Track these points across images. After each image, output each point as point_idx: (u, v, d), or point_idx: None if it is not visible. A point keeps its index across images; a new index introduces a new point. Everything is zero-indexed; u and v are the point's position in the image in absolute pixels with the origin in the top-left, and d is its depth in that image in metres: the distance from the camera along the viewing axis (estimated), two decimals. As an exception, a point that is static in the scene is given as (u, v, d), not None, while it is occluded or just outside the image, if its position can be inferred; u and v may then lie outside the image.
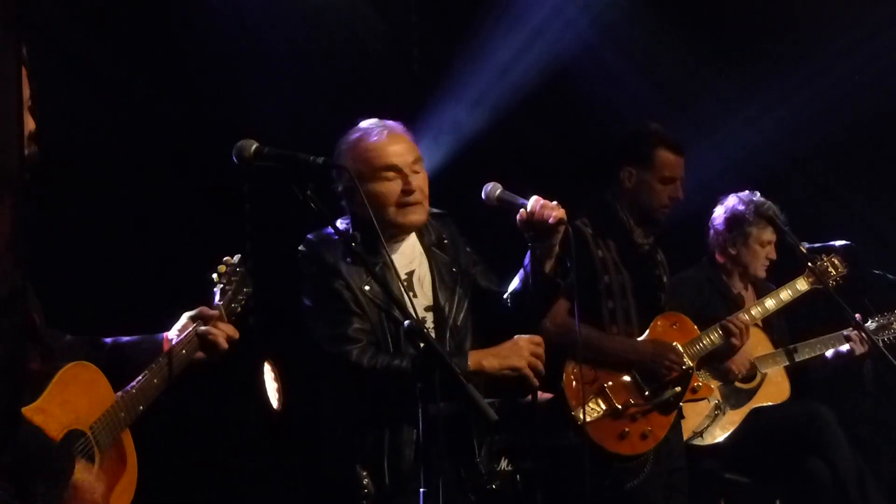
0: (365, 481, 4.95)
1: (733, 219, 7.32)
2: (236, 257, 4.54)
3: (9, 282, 3.44)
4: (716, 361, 6.71)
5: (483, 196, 5.11)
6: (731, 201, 7.36)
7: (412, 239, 5.22)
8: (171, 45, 6.58)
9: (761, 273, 7.38)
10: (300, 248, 5.12)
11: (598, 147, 7.11)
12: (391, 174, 5.06)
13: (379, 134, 5.12)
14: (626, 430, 6.08)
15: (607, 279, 6.22)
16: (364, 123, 5.19)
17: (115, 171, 6.43)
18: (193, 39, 6.55)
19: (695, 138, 6.85)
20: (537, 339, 5.05)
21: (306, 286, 5.12)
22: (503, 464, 5.18)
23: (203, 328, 4.26)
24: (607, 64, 8.20)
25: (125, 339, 4.27)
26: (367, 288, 5.00)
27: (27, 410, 3.64)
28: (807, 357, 7.25)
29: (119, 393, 4.01)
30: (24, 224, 2.68)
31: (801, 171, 8.71)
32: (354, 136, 5.16)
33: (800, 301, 6.85)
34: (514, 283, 5.18)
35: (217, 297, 4.41)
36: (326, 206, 4.38)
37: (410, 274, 5.17)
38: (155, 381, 4.11)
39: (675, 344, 6.23)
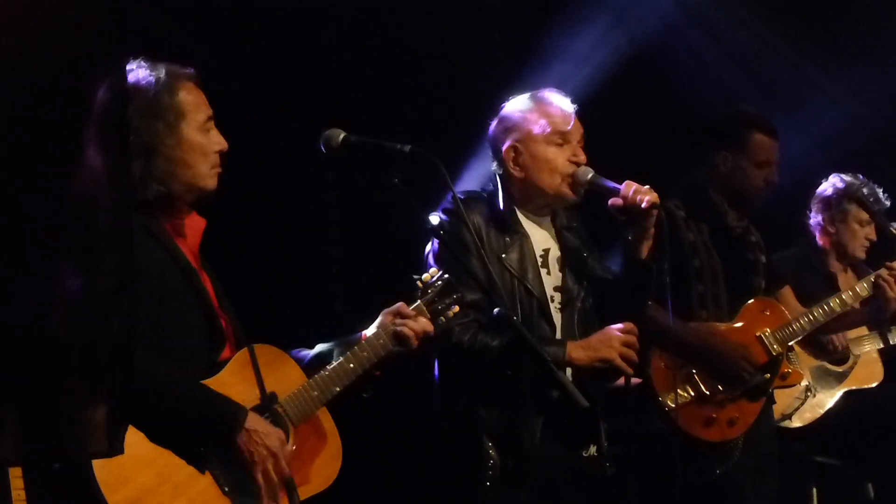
0: (491, 452, 4.93)
1: (833, 198, 7.30)
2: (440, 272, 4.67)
3: (116, 275, 3.48)
4: (869, 320, 6.78)
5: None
6: (832, 180, 7.35)
7: (548, 218, 5.25)
8: (254, 36, 6.60)
9: (860, 253, 7.32)
10: (444, 205, 5.08)
11: (688, 129, 7.06)
12: (563, 142, 5.12)
13: (553, 100, 5.20)
14: (714, 416, 6.02)
15: (698, 262, 6.17)
16: (535, 93, 5.26)
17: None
18: (279, 30, 6.57)
19: (780, 118, 6.75)
20: (628, 327, 5.04)
21: (438, 255, 5.04)
22: (591, 449, 5.16)
23: (399, 325, 4.41)
24: (691, 45, 8.14)
25: (324, 346, 4.44)
26: (503, 255, 5.03)
27: (206, 383, 3.93)
28: (902, 338, 7.19)
29: (314, 375, 4.22)
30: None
31: (889, 149, 8.61)
32: (530, 99, 5.24)
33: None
34: (617, 270, 5.20)
35: (419, 295, 4.56)
36: (415, 193, 4.40)
37: (546, 251, 5.19)
38: (351, 365, 4.29)
39: (759, 334, 6.17)
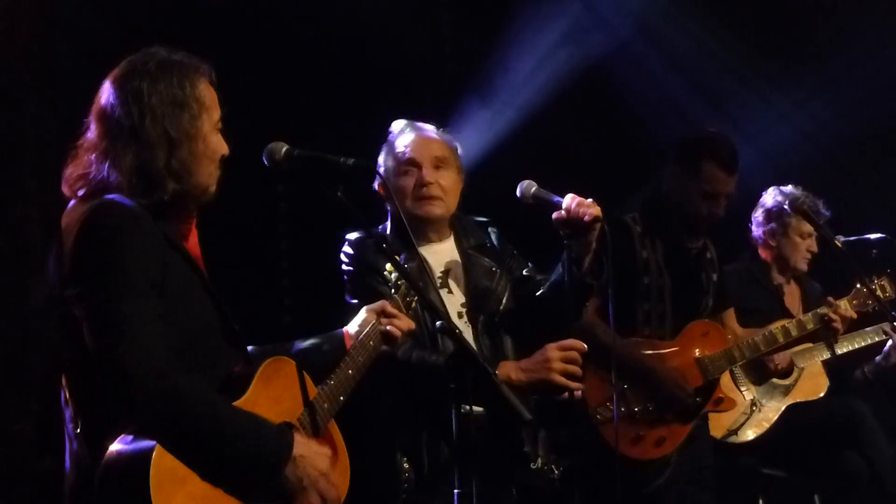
0: (405, 466, 5.00)
1: (773, 211, 7.33)
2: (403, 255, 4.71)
3: (46, 290, 3.47)
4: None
5: (518, 194, 5.13)
6: (771, 193, 7.38)
7: (449, 241, 5.34)
8: (202, 45, 6.59)
9: (802, 266, 7.37)
10: (343, 248, 5.23)
11: (637, 143, 7.08)
12: (410, 168, 5.24)
13: (403, 132, 5.36)
14: (641, 434, 6.03)
15: (647, 280, 6.16)
16: (396, 124, 5.41)
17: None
18: (225, 40, 6.56)
19: (729, 132, 6.78)
20: (568, 343, 5.06)
21: (348, 284, 5.23)
22: (538, 462, 5.17)
23: (386, 325, 4.44)
24: (641, 60, 8.18)
25: (307, 342, 4.38)
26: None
27: (238, 405, 3.71)
28: (847, 349, 7.23)
29: (320, 385, 4.13)
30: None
31: (836, 163, 8.67)
32: (388, 136, 5.38)
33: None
34: (550, 280, 5.20)
35: (392, 291, 4.67)
36: (359, 206, 4.40)
37: (445, 273, 5.25)
38: (350, 371, 4.27)
39: (697, 357, 6.18)
